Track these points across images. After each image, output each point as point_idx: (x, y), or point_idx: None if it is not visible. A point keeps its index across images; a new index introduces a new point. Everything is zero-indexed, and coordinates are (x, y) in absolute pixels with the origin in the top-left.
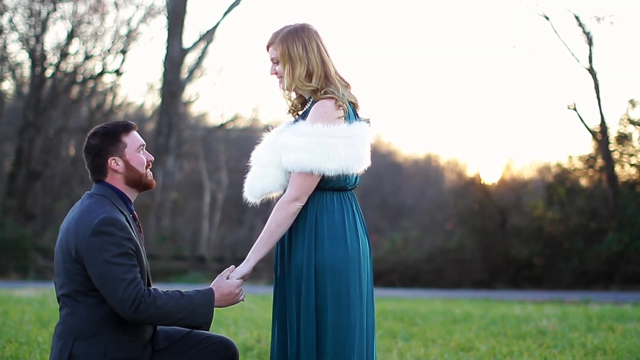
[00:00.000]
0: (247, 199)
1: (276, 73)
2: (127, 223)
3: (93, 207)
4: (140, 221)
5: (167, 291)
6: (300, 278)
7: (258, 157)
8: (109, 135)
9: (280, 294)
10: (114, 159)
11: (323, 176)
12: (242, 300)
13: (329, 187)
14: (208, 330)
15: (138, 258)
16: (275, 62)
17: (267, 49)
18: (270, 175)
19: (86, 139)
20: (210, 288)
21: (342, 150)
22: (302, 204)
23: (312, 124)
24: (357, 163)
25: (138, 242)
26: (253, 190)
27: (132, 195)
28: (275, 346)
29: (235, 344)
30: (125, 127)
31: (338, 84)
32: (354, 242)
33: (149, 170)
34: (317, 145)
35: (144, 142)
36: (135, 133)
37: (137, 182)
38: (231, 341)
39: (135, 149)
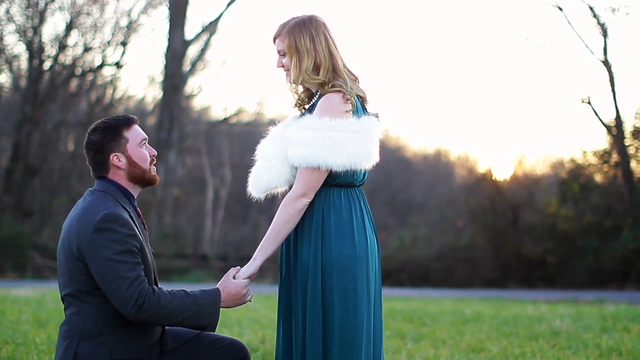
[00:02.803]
0: (251, 194)
1: (283, 66)
2: (130, 219)
3: (95, 204)
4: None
5: (172, 290)
6: (307, 277)
7: (263, 151)
8: (110, 130)
9: (286, 293)
10: (115, 155)
11: (330, 172)
12: (250, 301)
13: (337, 183)
14: (214, 331)
15: (142, 256)
16: (282, 54)
17: (274, 41)
18: (276, 170)
19: (86, 134)
20: (217, 288)
21: (350, 145)
22: (309, 200)
23: (320, 117)
24: (366, 158)
25: (142, 238)
26: (257, 185)
27: (135, 191)
28: (280, 347)
29: (246, 346)
30: (127, 122)
31: (346, 77)
32: (361, 240)
33: (152, 165)
34: (324, 140)
35: (146, 136)
36: (137, 127)
37: (140, 177)
38: (242, 343)
39: (138, 144)
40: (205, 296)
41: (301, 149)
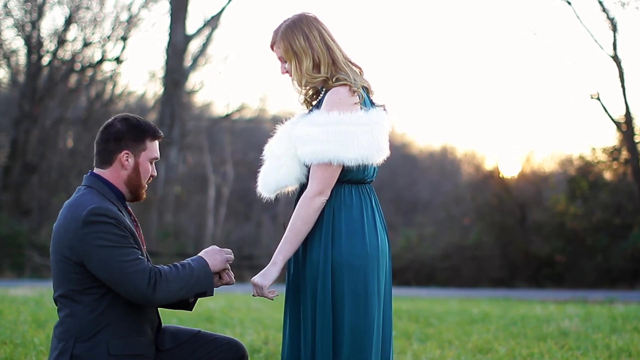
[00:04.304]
0: (261, 194)
1: (287, 71)
2: (119, 212)
3: (80, 200)
4: (142, 217)
5: (169, 265)
6: (316, 276)
7: (272, 150)
8: (137, 130)
9: (294, 292)
10: (127, 154)
11: (342, 167)
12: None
13: (347, 179)
14: (212, 295)
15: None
16: (283, 61)
17: (272, 49)
18: (285, 168)
19: (113, 118)
20: (199, 255)
21: (361, 139)
22: (326, 198)
23: (328, 112)
24: (377, 152)
25: (135, 234)
26: (267, 184)
27: (125, 193)
28: (287, 347)
29: (244, 345)
30: (154, 134)
31: (347, 69)
32: (372, 239)
33: (147, 184)
34: (334, 134)
35: (159, 157)
36: (157, 144)
37: (134, 187)
38: (240, 342)
39: (149, 159)
40: (196, 264)
41: (311, 145)
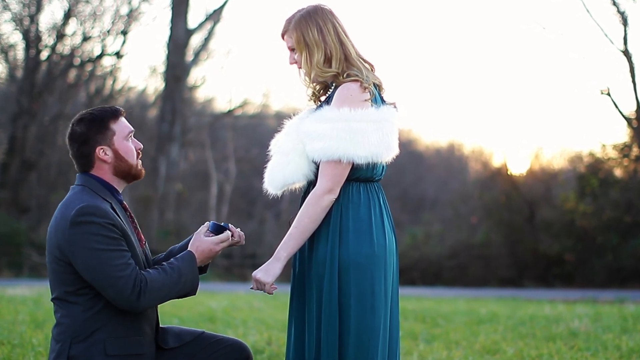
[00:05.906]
0: (267, 190)
1: (296, 62)
2: (110, 210)
3: (71, 199)
4: (143, 215)
5: (156, 268)
6: (322, 275)
7: (279, 146)
8: (96, 122)
9: (299, 292)
10: (102, 149)
11: (352, 165)
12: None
13: (356, 177)
14: (195, 294)
15: (128, 245)
16: (292, 50)
17: (282, 38)
18: (293, 165)
19: (70, 125)
20: (190, 251)
21: (372, 136)
22: (335, 196)
23: (338, 108)
24: (387, 150)
25: (129, 231)
26: (274, 180)
27: (119, 185)
28: (292, 347)
29: (248, 346)
30: (114, 113)
31: (360, 65)
32: (380, 238)
33: (139, 159)
34: (344, 131)
35: (133, 129)
36: (123, 119)
37: (126, 172)
38: (244, 344)
39: (124, 137)
40: (185, 265)
41: (321, 142)
